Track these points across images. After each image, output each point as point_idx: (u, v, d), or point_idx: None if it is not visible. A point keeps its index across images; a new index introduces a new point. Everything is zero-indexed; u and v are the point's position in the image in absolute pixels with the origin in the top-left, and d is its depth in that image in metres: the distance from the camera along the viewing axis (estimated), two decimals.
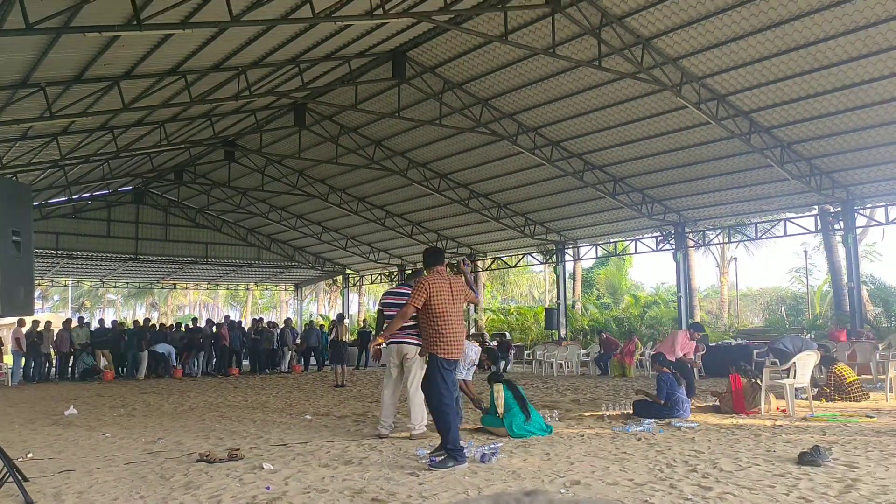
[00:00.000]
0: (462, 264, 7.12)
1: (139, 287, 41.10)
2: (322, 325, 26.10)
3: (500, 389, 7.60)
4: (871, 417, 8.38)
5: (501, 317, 30.51)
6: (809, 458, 5.56)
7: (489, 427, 7.63)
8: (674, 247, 20.32)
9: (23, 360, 17.99)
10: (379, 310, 8.19)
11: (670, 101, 14.21)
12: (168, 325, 23.87)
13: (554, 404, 10.18)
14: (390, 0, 10.72)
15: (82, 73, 11.38)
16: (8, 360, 18.32)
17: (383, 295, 8.20)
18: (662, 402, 8.66)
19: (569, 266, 25.83)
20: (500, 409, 7.44)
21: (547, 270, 35.95)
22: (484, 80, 15.02)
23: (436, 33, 13.58)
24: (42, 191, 19.96)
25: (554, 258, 23.64)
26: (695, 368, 10.57)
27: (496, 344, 19.79)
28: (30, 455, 6.58)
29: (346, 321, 20.65)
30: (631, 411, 8.97)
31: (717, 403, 9.49)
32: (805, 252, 29.59)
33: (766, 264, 64.54)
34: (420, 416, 7.20)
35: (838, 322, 18.99)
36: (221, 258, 28.34)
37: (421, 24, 12.92)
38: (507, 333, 25.44)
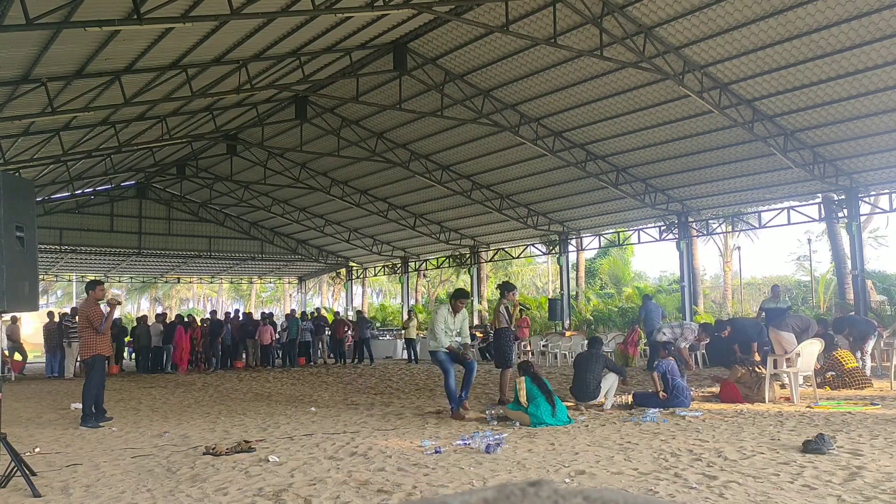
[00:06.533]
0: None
1: (143, 281, 41.14)
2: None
3: (522, 382, 7.68)
4: (876, 405, 8.38)
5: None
6: (814, 446, 5.56)
7: (511, 413, 7.72)
8: (677, 236, 20.28)
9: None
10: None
11: (673, 91, 14.14)
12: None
13: (560, 395, 10.18)
14: None
15: (83, 68, 11.36)
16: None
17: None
18: (667, 395, 8.68)
19: (572, 256, 25.77)
20: (523, 401, 7.54)
21: (550, 261, 35.91)
22: (485, 70, 14.96)
23: (437, 24, 13.52)
24: (45, 186, 19.96)
25: (557, 249, 23.61)
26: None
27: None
28: (37, 449, 6.62)
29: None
30: (630, 401, 9.01)
31: (719, 393, 9.50)
32: (809, 240, 29.51)
33: (769, 252, 64.36)
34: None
35: (842, 310, 18.94)
36: (225, 252, 28.34)
37: (422, 16, 12.86)
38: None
